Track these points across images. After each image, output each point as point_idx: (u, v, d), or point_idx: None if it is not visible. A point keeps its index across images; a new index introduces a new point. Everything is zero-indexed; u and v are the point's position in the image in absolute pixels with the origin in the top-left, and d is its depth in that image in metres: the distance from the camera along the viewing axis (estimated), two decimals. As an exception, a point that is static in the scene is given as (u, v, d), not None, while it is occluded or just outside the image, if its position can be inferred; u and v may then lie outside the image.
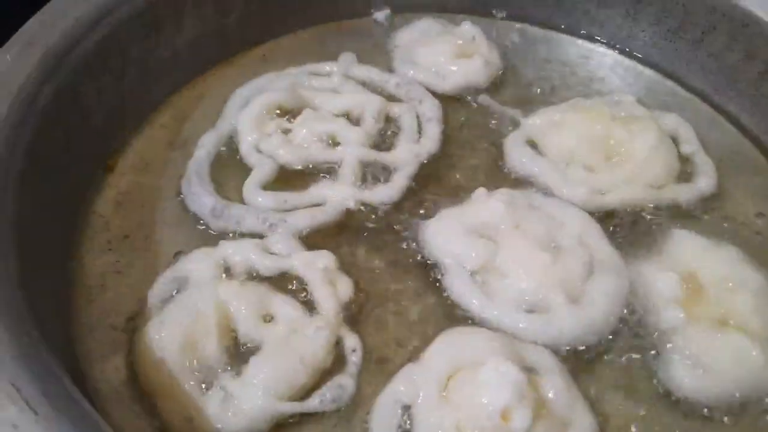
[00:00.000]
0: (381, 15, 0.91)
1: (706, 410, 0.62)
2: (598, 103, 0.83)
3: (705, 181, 0.78)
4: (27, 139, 0.63)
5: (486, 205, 0.71)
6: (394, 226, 0.74)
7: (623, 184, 0.75)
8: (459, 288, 0.68)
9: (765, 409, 0.62)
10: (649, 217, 0.75)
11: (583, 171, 0.77)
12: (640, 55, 0.93)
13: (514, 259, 0.67)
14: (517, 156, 0.79)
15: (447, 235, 0.71)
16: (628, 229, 0.74)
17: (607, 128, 0.78)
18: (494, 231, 0.70)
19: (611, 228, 0.73)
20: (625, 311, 0.66)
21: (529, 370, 0.60)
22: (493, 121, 0.85)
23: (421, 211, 0.75)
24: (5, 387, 0.43)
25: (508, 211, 0.69)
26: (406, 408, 0.59)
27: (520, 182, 0.78)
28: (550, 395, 0.58)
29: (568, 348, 0.64)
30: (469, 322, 0.66)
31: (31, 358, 0.46)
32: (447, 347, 0.62)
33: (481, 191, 0.73)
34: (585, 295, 0.65)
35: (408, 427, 0.58)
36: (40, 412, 0.43)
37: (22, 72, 0.65)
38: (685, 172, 0.79)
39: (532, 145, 0.80)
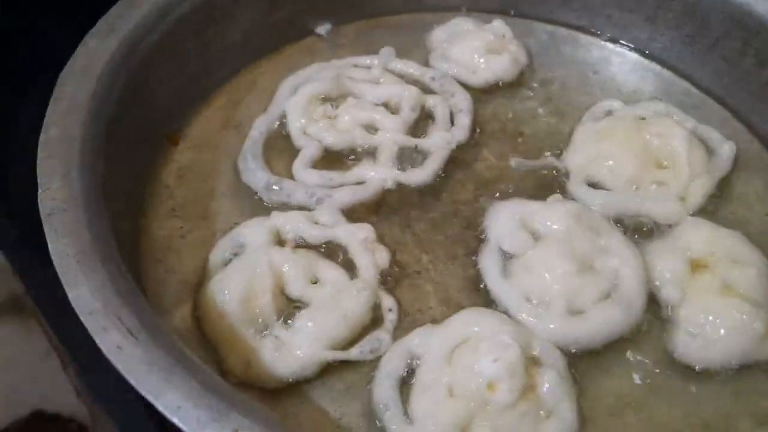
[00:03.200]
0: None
1: (705, 374, 0.69)
2: (618, 121, 0.88)
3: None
4: (108, 114, 0.72)
5: (553, 211, 0.76)
6: (427, 205, 0.82)
7: (690, 182, 0.81)
8: (485, 261, 0.76)
9: (763, 370, 0.69)
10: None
11: (656, 187, 0.81)
12: (658, 57, 0.99)
13: (542, 258, 0.73)
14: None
15: (501, 217, 0.78)
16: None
17: (642, 140, 0.83)
18: (544, 231, 0.75)
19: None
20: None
21: (534, 360, 0.66)
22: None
23: (450, 192, 0.83)
24: (112, 318, 0.52)
25: (568, 222, 0.75)
26: (414, 359, 0.66)
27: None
28: (544, 387, 0.64)
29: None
30: (494, 304, 0.73)
31: (129, 296, 0.55)
32: (466, 319, 0.69)
33: (556, 197, 0.80)
34: (586, 313, 0.70)
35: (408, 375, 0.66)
36: (140, 338, 0.51)
37: (104, 56, 0.74)
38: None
39: (588, 182, 0.83)
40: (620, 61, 1.00)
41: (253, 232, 0.75)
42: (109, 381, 0.64)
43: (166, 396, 0.49)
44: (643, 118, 0.87)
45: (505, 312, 0.71)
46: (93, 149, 0.68)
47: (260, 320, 0.68)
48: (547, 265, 0.72)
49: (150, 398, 0.48)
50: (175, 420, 0.47)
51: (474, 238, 0.79)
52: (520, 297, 0.71)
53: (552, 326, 0.69)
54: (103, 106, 0.72)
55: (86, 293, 0.54)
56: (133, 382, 0.49)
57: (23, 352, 1.09)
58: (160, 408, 0.48)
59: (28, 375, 1.08)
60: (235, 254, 0.74)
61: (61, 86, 0.70)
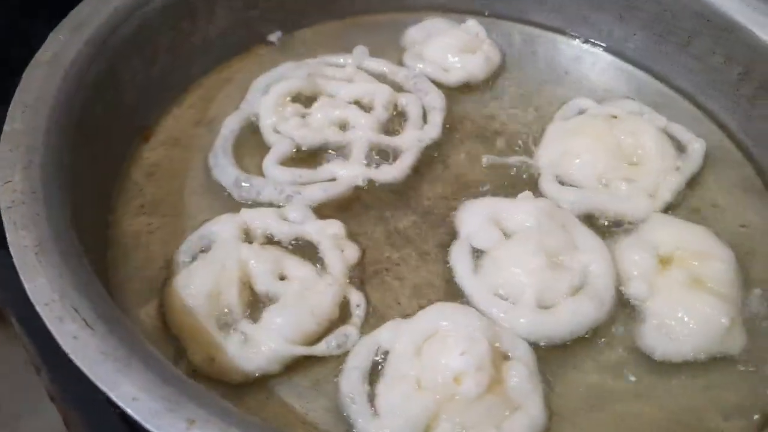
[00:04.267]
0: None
1: (673, 368, 0.69)
2: (589, 119, 0.89)
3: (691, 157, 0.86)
4: (77, 110, 0.71)
5: (523, 207, 0.77)
6: (398, 202, 0.82)
7: (662, 180, 0.82)
8: (455, 257, 0.76)
9: (729, 363, 0.69)
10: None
11: (626, 184, 0.81)
12: (630, 57, 1.00)
13: (512, 254, 0.73)
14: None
15: (472, 214, 0.78)
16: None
17: (613, 138, 0.84)
18: (515, 228, 0.76)
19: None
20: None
21: (502, 354, 0.66)
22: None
23: (422, 190, 0.83)
24: (68, 308, 0.51)
25: (538, 219, 0.75)
26: (383, 352, 0.66)
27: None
28: (512, 382, 0.63)
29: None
30: (463, 297, 0.73)
31: (87, 287, 0.54)
32: (436, 313, 0.68)
33: (527, 194, 0.80)
34: (556, 307, 0.70)
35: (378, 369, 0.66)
36: (96, 329, 0.51)
37: (72, 51, 0.74)
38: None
39: (559, 180, 0.83)
40: (593, 61, 1.01)
41: (222, 228, 0.74)
42: (82, 385, 0.64)
43: (122, 387, 0.48)
44: (615, 117, 0.88)
45: (476, 308, 0.70)
46: (58, 143, 0.67)
47: (227, 316, 0.68)
48: (517, 261, 0.72)
49: (105, 389, 0.48)
50: (129, 411, 0.47)
51: (445, 235, 0.79)
52: (490, 292, 0.72)
53: (522, 320, 0.69)
54: (71, 100, 0.71)
55: (43, 284, 0.53)
56: (87, 372, 0.48)
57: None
58: (115, 399, 0.47)
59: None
60: (203, 250, 0.73)
61: (27, 79, 0.70)
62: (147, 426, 0.46)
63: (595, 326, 0.71)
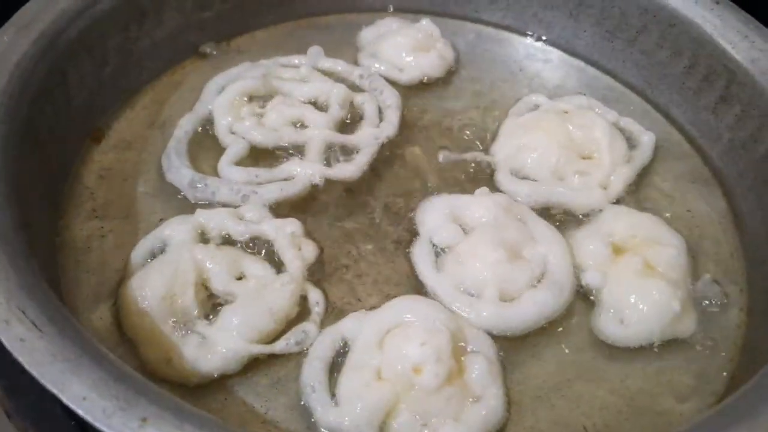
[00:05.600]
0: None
1: (628, 353, 0.70)
2: (542, 114, 0.90)
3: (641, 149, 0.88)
4: (23, 112, 0.70)
5: (480, 203, 0.78)
6: (356, 200, 0.82)
7: (613, 172, 0.83)
8: (418, 254, 0.76)
9: (681, 347, 0.71)
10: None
11: (579, 177, 0.83)
12: (581, 54, 1.02)
13: (472, 249, 0.73)
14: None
15: (431, 211, 0.79)
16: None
17: (566, 132, 0.85)
18: (473, 224, 0.77)
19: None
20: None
21: (463, 346, 0.67)
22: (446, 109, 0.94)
23: (379, 187, 0.83)
24: (14, 311, 0.50)
25: (496, 213, 0.76)
26: (345, 344, 0.67)
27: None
28: (473, 374, 0.64)
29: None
30: (425, 291, 0.73)
31: (35, 289, 0.53)
32: (399, 306, 0.69)
33: (483, 190, 0.80)
34: (518, 299, 0.71)
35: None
36: (45, 330, 0.49)
37: (18, 51, 0.72)
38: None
39: (515, 174, 0.84)
40: (545, 58, 1.03)
41: (176, 229, 0.73)
42: (39, 401, 0.63)
43: (71, 388, 0.47)
44: (567, 112, 0.90)
45: (441, 303, 0.71)
46: (4, 145, 0.65)
47: (182, 317, 0.67)
48: (477, 255, 0.73)
49: (54, 390, 0.47)
50: (80, 412, 0.46)
51: (403, 231, 0.80)
52: (452, 288, 0.72)
53: (485, 314, 0.70)
54: (17, 103, 0.70)
55: (-11, 287, 0.51)
56: (36, 374, 0.47)
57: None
58: (65, 400, 0.46)
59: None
60: (158, 252, 0.72)
61: (-32, 82, 0.68)
62: (98, 426, 0.45)
63: (556, 315, 0.72)
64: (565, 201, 0.81)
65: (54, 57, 0.76)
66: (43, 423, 0.62)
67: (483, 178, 0.86)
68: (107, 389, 0.47)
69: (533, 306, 0.71)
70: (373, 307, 0.71)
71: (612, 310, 0.71)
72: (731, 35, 0.86)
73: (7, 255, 0.54)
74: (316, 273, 0.74)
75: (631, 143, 0.89)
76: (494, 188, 0.83)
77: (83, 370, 0.48)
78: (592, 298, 0.74)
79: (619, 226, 0.77)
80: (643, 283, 0.70)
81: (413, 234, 0.79)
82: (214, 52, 0.97)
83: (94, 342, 0.51)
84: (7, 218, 0.58)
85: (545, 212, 0.81)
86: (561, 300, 0.72)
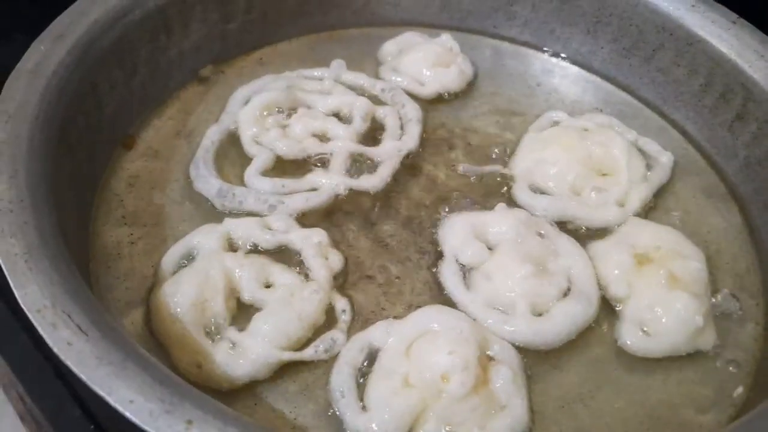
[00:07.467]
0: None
1: (651, 365, 0.71)
2: (562, 131, 0.91)
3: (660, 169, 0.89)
4: (59, 120, 0.71)
5: (501, 219, 0.79)
6: (379, 211, 0.83)
7: (631, 190, 0.84)
8: (446, 274, 0.77)
9: (702, 359, 0.72)
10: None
11: (596, 193, 0.84)
12: (598, 70, 1.03)
13: (500, 266, 0.74)
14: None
15: (454, 230, 0.79)
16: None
17: (585, 149, 0.87)
18: (496, 240, 0.78)
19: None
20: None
21: (489, 357, 0.68)
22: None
23: (401, 198, 0.85)
24: (60, 315, 0.51)
25: (518, 229, 0.77)
26: (373, 352, 0.68)
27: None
28: (498, 384, 0.65)
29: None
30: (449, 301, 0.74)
31: (78, 294, 0.54)
32: (426, 315, 0.70)
33: (502, 206, 0.81)
34: (549, 312, 0.72)
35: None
36: (90, 334, 0.51)
37: (54, 60, 0.74)
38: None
39: (532, 189, 0.86)
40: (562, 74, 1.04)
41: (206, 237, 0.75)
42: (58, 403, 0.64)
43: (118, 391, 0.48)
44: (586, 129, 0.91)
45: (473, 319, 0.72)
46: (41, 153, 0.67)
47: (213, 324, 0.68)
48: (506, 271, 0.74)
49: (102, 393, 0.48)
50: (127, 414, 0.47)
51: (425, 242, 0.81)
52: (484, 305, 0.73)
53: (520, 329, 0.71)
54: (53, 109, 0.71)
55: (35, 291, 0.53)
56: (84, 377, 0.48)
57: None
58: (112, 402, 0.47)
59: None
60: (188, 260, 0.74)
61: (9, 88, 0.69)
62: (145, 428, 0.46)
63: (586, 326, 0.73)
64: (581, 216, 0.83)
65: (87, 66, 0.78)
66: (61, 425, 0.64)
67: (501, 191, 0.87)
68: (152, 392, 0.48)
69: (565, 318, 0.72)
70: (397, 317, 0.72)
71: (637, 321, 0.72)
72: (748, 54, 0.88)
73: (50, 259, 0.56)
74: (341, 282, 0.76)
75: (649, 163, 0.90)
76: (511, 202, 0.85)
77: (128, 374, 0.49)
78: (617, 308, 0.75)
79: (643, 238, 0.78)
80: (668, 295, 0.72)
81: (435, 245, 0.80)
82: (211, 75, 0.97)
83: (136, 345, 0.53)
84: (48, 224, 0.60)
85: (561, 226, 0.82)
86: (590, 311, 0.73)
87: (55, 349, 0.50)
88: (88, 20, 0.80)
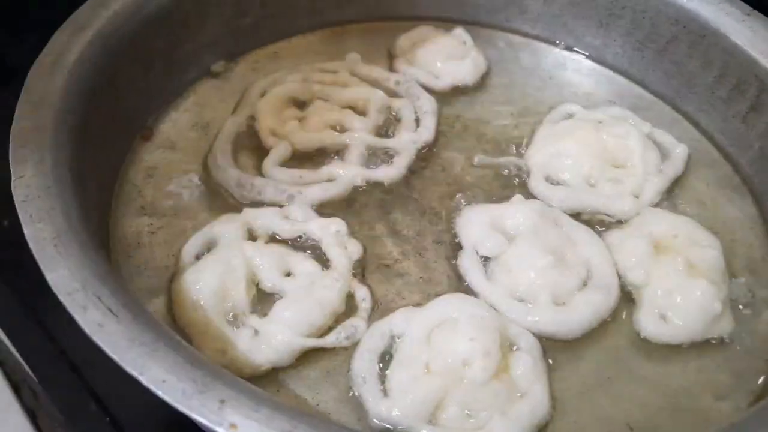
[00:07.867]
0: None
1: (669, 352, 0.72)
2: (577, 123, 0.92)
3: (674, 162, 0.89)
4: (81, 110, 0.72)
5: (519, 210, 0.79)
6: (396, 202, 0.84)
7: (646, 181, 0.85)
8: (466, 266, 0.77)
9: (719, 346, 0.73)
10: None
11: (611, 185, 0.85)
12: (611, 63, 1.04)
13: (520, 257, 0.75)
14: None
15: (472, 223, 0.80)
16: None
17: (600, 141, 0.87)
18: (514, 231, 0.78)
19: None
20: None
21: (510, 344, 0.69)
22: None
23: (417, 189, 0.85)
24: (91, 297, 0.52)
25: (535, 220, 0.77)
26: (394, 339, 0.69)
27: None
28: (518, 371, 0.66)
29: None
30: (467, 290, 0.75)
31: (107, 277, 0.55)
32: (447, 303, 0.71)
33: (518, 197, 0.82)
34: (571, 301, 0.73)
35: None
36: (120, 316, 0.51)
37: (75, 51, 0.74)
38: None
39: (548, 180, 0.86)
40: (575, 67, 1.05)
41: (227, 227, 0.75)
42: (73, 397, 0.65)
43: (150, 370, 0.49)
44: (601, 122, 0.92)
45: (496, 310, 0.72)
46: (64, 142, 0.68)
47: (234, 312, 0.69)
48: (526, 262, 0.74)
49: (134, 373, 0.48)
50: (159, 393, 0.47)
51: (442, 233, 0.82)
52: (506, 296, 0.73)
53: (544, 319, 0.71)
54: (74, 101, 0.72)
55: (65, 274, 0.53)
56: (116, 358, 0.49)
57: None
58: (145, 382, 0.48)
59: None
60: (208, 249, 0.74)
61: (31, 80, 0.70)
62: (179, 407, 0.47)
63: (608, 315, 0.73)
64: (597, 207, 0.83)
65: (106, 57, 0.78)
66: (76, 419, 0.65)
67: (516, 183, 0.88)
68: (185, 372, 0.49)
69: (587, 308, 0.72)
70: (417, 305, 0.73)
71: (655, 308, 0.73)
72: (762, 46, 0.88)
73: (79, 244, 0.56)
74: (360, 271, 0.76)
75: (663, 154, 0.90)
76: (527, 193, 0.85)
77: (160, 354, 0.50)
78: (634, 296, 0.75)
79: (660, 227, 0.78)
80: (686, 282, 0.72)
81: (453, 235, 0.81)
82: (224, 71, 0.97)
83: (166, 327, 0.53)
84: (76, 210, 0.60)
85: (576, 218, 0.83)
86: (611, 299, 0.73)
87: (87, 331, 0.50)
88: (108, 12, 0.80)
